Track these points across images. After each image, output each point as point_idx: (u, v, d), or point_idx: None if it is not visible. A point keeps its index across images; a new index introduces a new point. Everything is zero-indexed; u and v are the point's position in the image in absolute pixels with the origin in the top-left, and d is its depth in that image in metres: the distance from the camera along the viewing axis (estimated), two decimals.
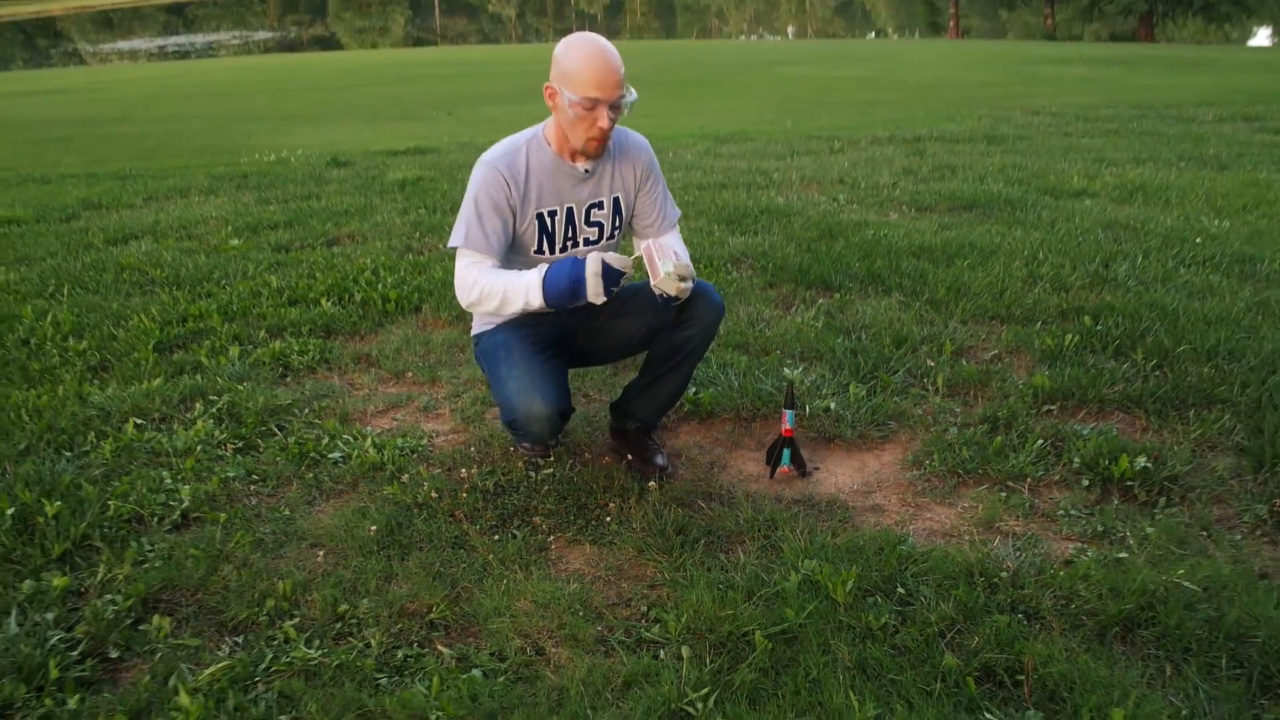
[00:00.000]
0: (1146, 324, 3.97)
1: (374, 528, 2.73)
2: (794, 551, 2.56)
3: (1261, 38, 45.86)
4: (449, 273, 4.97)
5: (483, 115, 13.46)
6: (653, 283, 2.74)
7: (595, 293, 2.69)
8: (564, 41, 2.80)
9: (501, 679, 2.16)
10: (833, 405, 3.42)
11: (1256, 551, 2.59)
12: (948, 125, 10.59)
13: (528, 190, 2.91)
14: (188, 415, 3.51)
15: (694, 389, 3.56)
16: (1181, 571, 2.42)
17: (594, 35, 2.78)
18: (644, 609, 2.40)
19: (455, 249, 2.89)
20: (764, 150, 8.98)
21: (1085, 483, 2.91)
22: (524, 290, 2.76)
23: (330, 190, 7.44)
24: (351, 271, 5.06)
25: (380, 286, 4.78)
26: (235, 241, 5.81)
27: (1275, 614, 2.25)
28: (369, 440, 3.27)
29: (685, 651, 2.19)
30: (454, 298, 4.51)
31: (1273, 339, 3.78)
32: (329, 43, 63.85)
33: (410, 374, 3.91)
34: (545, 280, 2.73)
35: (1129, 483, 2.88)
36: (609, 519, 2.80)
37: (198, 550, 2.64)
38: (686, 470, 3.10)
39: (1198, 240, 5.21)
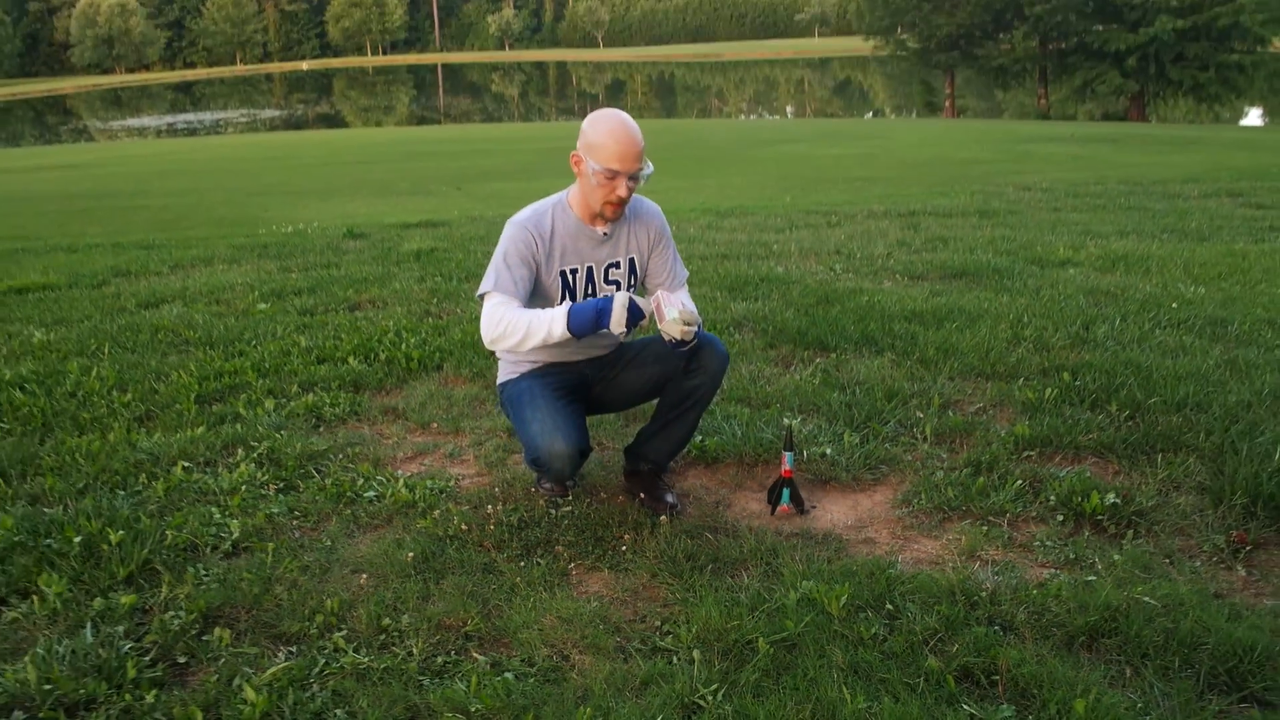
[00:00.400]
0: (1121, 379, 4.25)
1: (410, 554, 3.00)
2: (793, 574, 2.83)
3: (1253, 117, 46.75)
4: (468, 334, 5.28)
5: (491, 190, 13.88)
6: (659, 326, 3.02)
7: (618, 321, 2.97)
8: (592, 115, 3.15)
9: (532, 680, 2.42)
10: (828, 451, 3.70)
11: (1213, 576, 2.85)
12: (941, 200, 10.95)
13: (552, 249, 3.21)
14: (230, 460, 3.79)
15: (700, 437, 3.84)
16: (1142, 590, 2.69)
17: (619, 112, 3.14)
18: (658, 623, 2.66)
19: (483, 295, 3.14)
20: (764, 224, 9.34)
21: (1059, 518, 3.19)
22: (548, 321, 3.03)
23: (348, 260, 7.77)
24: (375, 333, 5.36)
25: (403, 346, 5.08)
26: (263, 306, 6.12)
27: (1225, 625, 2.51)
28: (400, 482, 3.55)
29: (696, 655, 2.46)
30: (474, 357, 4.84)
31: (1238, 392, 4.07)
32: (334, 120, 64.99)
33: (435, 425, 4.19)
34: (571, 310, 3.02)
35: (1099, 517, 3.15)
36: (624, 548, 3.07)
37: (250, 574, 2.90)
38: (694, 508, 3.38)
39: (1174, 305, 5.51)
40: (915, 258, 7.15)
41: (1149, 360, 4.52)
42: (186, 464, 3.72)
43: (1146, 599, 2.64)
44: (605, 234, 3.28)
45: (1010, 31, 43.50)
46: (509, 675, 2.43)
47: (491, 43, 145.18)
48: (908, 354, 4.81)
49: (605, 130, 3.08)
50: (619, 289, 3.33)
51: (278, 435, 3.99)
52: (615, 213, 3.19)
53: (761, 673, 2.39)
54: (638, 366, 3.41)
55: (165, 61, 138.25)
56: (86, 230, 10.58)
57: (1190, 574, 2.85)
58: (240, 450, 3.86)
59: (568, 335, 3.03)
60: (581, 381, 3.43)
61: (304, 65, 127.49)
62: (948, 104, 46.75)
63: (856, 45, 54.12)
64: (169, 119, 66.33)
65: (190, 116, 67.47)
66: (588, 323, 3.01)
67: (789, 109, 66.39)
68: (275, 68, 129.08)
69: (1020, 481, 3.40)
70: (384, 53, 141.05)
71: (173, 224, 11.09)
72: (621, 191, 3.11)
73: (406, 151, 22.30)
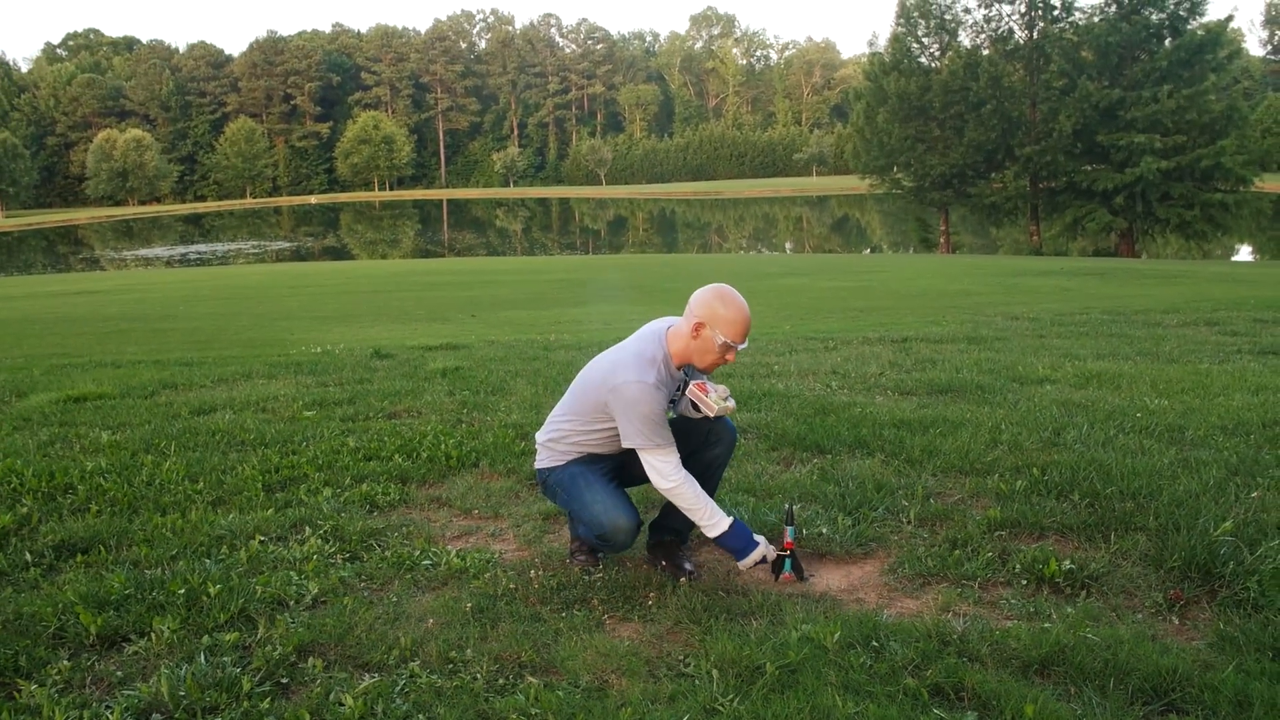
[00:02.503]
0: (1084, 474, 4.80)
1: (469, 605, 3.52)
2: (794, 619, 3.36)
3: (1244, 254, 48.01)
4: (499, 438, 5.84)
5: (504, 318, 14.58)
6: (710, 415, 3.71)
7: (748, 565, 3.72)
8: (720, 292, 3.71)
9: (579, 695, 2.93)
10: (824, 530, 4.24)
11: (1151, 624, 3.37)
12: (933, 328, 11.59)
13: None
14: (300, 535, 4.32)
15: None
16: (1089, 631, 3.21)
17: (736, 292, 3.72)
18: (681, 655, 3.18)
19: (654, 447, 3.67)
20: (765, 348, 9.97)
21: (1023, 581, 3.71)
22: (716, 521, 3.69)
23: (379, 376, 8.36)
24: (415, 436, 5.92)
25: (443, 447, 5.63)
26: (309, 413, 6.69)
27: (1155, 656, 3.03)
28: (452, 553, 4.08)
29: (715, 674, 2.97)
30: (508, 456, 5.39)
31: (1186, 484, 4.61)
32: (340, 253, 66.47)
33: (477, 511, 4.73)
34: (734, 525, 3.71)
35: (1057, 580, 3.68)
36: (650, 603, 3.59)
37: (332, 620, 3.42)
38: (708, 575, 3.90)
39: (1138, 414, 6.08)
40: (905, 376, 7.74)
41: (1111, 459, 5.06)
42: (262, 538, 4.25)
43: (1091, 636, 3.16)
44: (685, 374, 3.86)
45: (1002, 171, 45.03)
46: (559, 693, 2.93)
47: (496, 179, 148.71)
48: (896, 454, 5.37)
49: (737, 311, 3.65)
50: (674, 406, 3.91)
51: (339, 517, 4.53)
52: (710, 371, 3.81)
53: (769, 687, 2.90)
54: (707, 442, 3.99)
55: (177, 194, 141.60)
56: (125, 349, 11.21)
57: (1132, 623, 3.36)
58: (307, 528, 4.39)
59: (714, 536, 3.71)
60: (619, 466, 3.99)
61: (312, 199, 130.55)
62: (943, 240, 48.09)
63: (853, 184, 55.83)
64: (180, 249, 67.93)
65: (202, 247, 69.13)
66: (736, 543, 3.70)
67: (788, 245, 67.95)
68: (284, 201, 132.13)
69: (990, 554, 3.93)
70: (391, 188, 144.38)
71: (205, 344, 11.74)
72: (731, 358, 3.72)
73: (419, 281, 23.15)
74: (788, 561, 3.83)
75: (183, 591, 3.59)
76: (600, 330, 12.46)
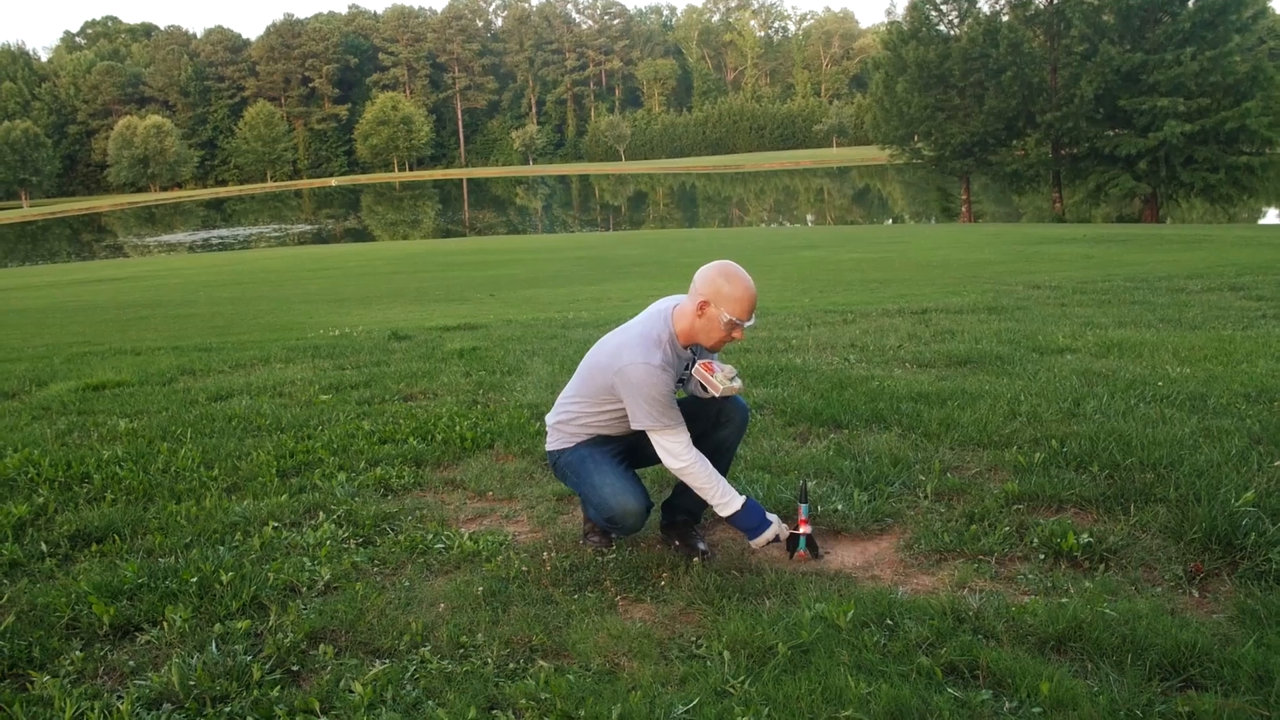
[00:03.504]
0: (1104, 445, 4.74)
1: (480, 589, 3.50)
2: (808, 599, 3.32)
3: (1271, 216, 47.48)
4: (515, 419, 5.82)
5: (523, 296, 14.56)
6: (715, 393, 3.66)
7: (760, 543, 3.68)
8: (724, 269, 3.68)
9: (590, 678, 2.91)
10: (840, 507, 4.20)
11: (1170, 598, 3.32)
12: (953, 298, 11.50)
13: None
14: (314, 521, 4.31)
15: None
16: (1107, 606, 3.16)
17: (741, 269, 3.71)
18: (694, 637, 3.15)
19: (662, 428, 3.64)
20: (784, 322, 9.90)
21: (1041, 555, 3.67)
22: (725, 496, 3.67)
23: (396, 358, 8.35)
24: (430, 419, 5.90)
25: (457, 429, 5.61)
26: (324, 397, 6.69)
27: (1173, 630, 2.98)
28: (465, 536, 4.06)
29: (726, 656, 2.95)
30: (522, 437, 5.37)
31: (1208, 454, 4.55)
32: (361, 235, 66.64)
33: (491, 493, 4.71)
34: (747, 504, 3.69)
35: (1075, 554, 3.63)
36: (663, 584, 3.56)
37: (344, 605, 3.41)
38: (722, 554, 3.87)
39: (1159, 383, 6.01)
40: (924, 348, 7.68)
41: (1131, 429, 5.00)
42: (276, 524, 4.25)
43: (1109, 612, 3.11)
44: (693, 353, 3.82)
45: (1023, 138, 44.60)
46: (570, 676, 2.91)
47: (516, 158, 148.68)
48: (913, 428, 5.32)
49: (742, 288, 3.63)
50: (684, 385, 3.87)
51: (353, 501, 4.52)
52: (717, 349, 3.78)
53: (781, 669, 2.87)
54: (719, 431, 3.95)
55: (198, 180, 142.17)
56: (145, 336, 11.24)
57: (1151, 597, 3.32)
58: (321, 514, 4.38)
59: (726, 516, 3.68)
60: (629, 447, 3.97)
61: (332, 182, 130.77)
62: (964, 209, 47.73)
63: (874, 154, 55.47)
64: (202, 234, 68.28)
65: (224, 232, 69.41)
66: (749, 522, 3.68)
67: (809, 217, 67.66)
68: (305, 184, 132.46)
69: (1008, 528, 3.89)
70: (411, 169, 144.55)
71: (225, 329, 11.76)
72: (739, 336, 3.68)
73: (438, 262, 23.15)
74: (802, 539, 3.79)
75: (195, 580, 3.59)
76: (619, 306, 12.41)
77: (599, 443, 3.91)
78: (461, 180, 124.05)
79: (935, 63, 43.74)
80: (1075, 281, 13.18)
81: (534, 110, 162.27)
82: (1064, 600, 3.27)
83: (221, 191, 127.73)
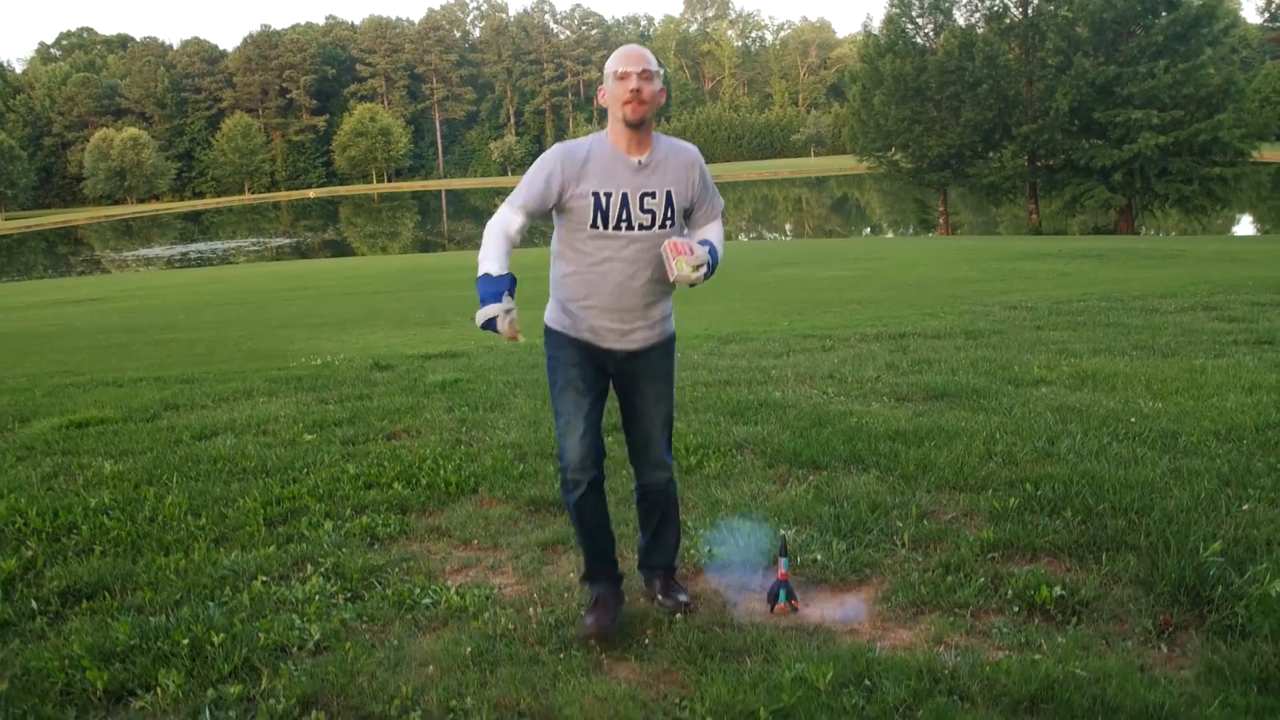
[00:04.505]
0: (1077, 488, 4.84)
1: (468, 650, 3.57)
2: (788, 658, 3.41)
3: (1245, 224, 47.96)
4: (498, 460, 5.89)
5: None
6: (670, 277, 3.50)
7: (478, 320, 3.42)
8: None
9: None
10: (819, 557, 4.29)
11: (1141, 653, 3.42)
12: (930, 322, 11.62)
13: (584, 170, 3.56)
14: (302, 574, 4.37)
15: (708, 547, 4.42)
16: (1078, 665, 3.26)
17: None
18: (677, 700, 3.23)
19: (507, 201, 3.67)
20: (763, 349, 10.00)
21: (1015, 608, 3.76)
22: (482, 260, 3.56)
23: (379, 391, 8.41)
24: (414, 460, 5.96)
25: (441, 473, 5.68)
26: (309, 436, 6.74)
27: (1143, 691, 3.08)
28: (452, 590, 4.13)
29: None
30: (506, 481, 5.45)
31: (1178, 498, 4.66)
32: (341, 247, 66.61)
33: (476, 541, 4.78)
34: (482, 277, 3.50)
35: (1048, 607, 3.73)
36: (647, 641, 3.64)
37: (334, 668, 3.47)
38: (705, 608, 3.95)
39: (1132, 419, 6.12)
40: (902, 379, 7.78)
41: (1103, 471, 5.11)
42: (265, 578, 4.30)
43: (1079, 671, 3.21)
44: (641, 163, 3.59)
45: (1000, 150, 44.97)
46: None
47: (494, 169, 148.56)
48: (891, 470, 5.41)
49: (614, 53, 3.58)
50: (653, 219, 3.61)
51: (340, 552, 4.58)
52: (636, 112, 3.50)
53: None
54: (642, 397, 3.89)
55: (175, 192, 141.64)
56: (126, 365, 11.25)
57: (1122, 652, 3.41)
58: (309, 565, 4.45)
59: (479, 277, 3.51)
60: (601, 373, 3.82)
61: (311, 193, 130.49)
62: (941, 220, 48.04)
63: (852, 164, 55.79)
64: (180, 248, 68.16)
65: (202, 246, 69.28)
66: (479, 291, 3.47)
67: (788, 226, 67.99)
68: (283, 196, 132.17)
69: (983, 579, 3.98)
70: (389, 180, 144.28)
71: (206, 357, 11.78)
72: (633, 85, 3.47)
73: (418, 280, 23.19)
74: (782, 591, 3.88)
75: (187, 641, 3.65)
76: None
77: (574, 351, 3.77)
78: (440, 191, 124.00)
79: (912, 75, 44.12)
80: (1051, 302, 13.31)
81: (512, 121, 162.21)
82: (1037, 657, 3.36)
83: (199, 204, 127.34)
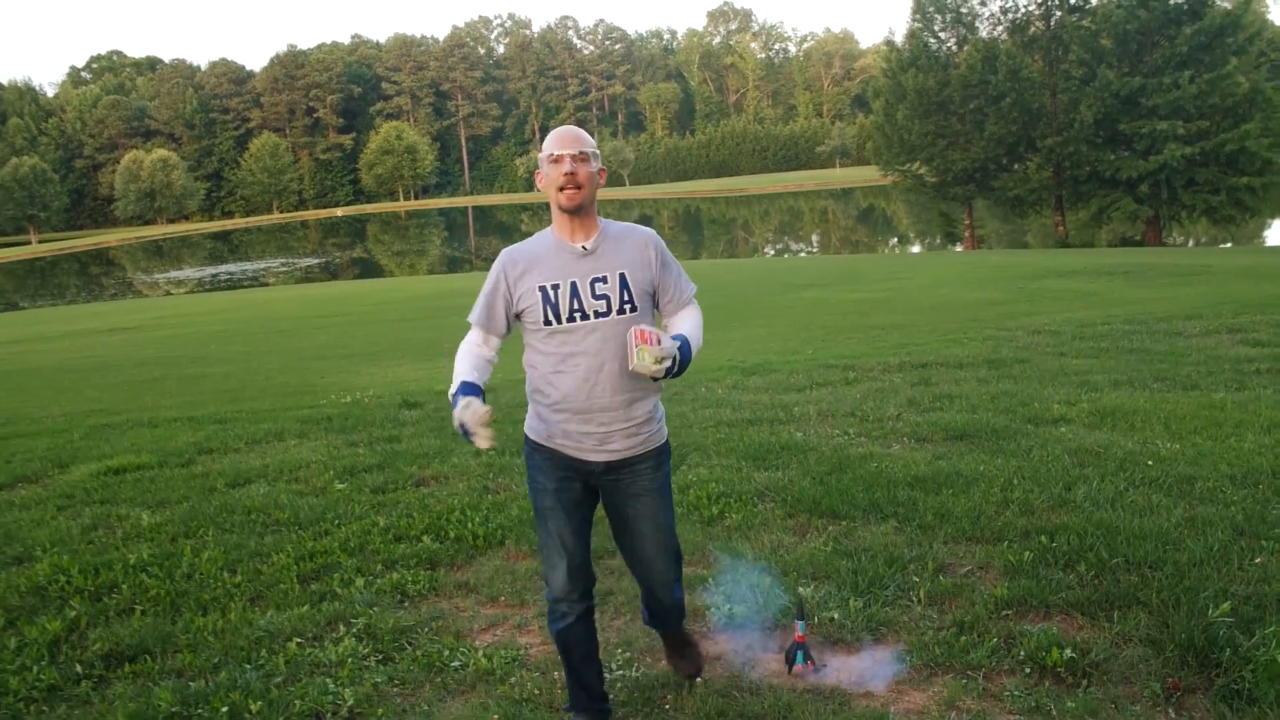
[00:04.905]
0: (1091, 540, 4.93)
1: (496, 715, 3.71)
2: None
3: (1274, 236, 47.63)
4: (524, 510, 6.02)
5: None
6: (630, 366, 3.25)
7: (457, 418, 3.29)
8: None
9: None
10: (836, 615, 4.40)
11: (1149, 717, 3.51)
12: (954, 349, 11.68)
13: (528, 268, 3.44)
14: (335, 634, 4.52)
15: (728, 605, 4.54)
16: None
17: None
18: None
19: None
20: (785, 383, 10.11)
21: (1027, 670, 3.86)
22: (455, 375, 3.49)
23: (408, 432, 8.57)
24: (443, 512, 6.11)
25: (469, 525, 5.82)
26: (340, 485, 6.90)
27: None
28: (480, 652, 4.27)
29: None
30: (531, 534, 5.57)
31: (1191, 550, 4.74)
32: (369, 265, 67.12)
33: (503, 598, 4.91)
34: (461, 385, 3.42)
35: (1059, 669, 3.82)
36: (668, 707, 3.76)
37: None
38: (723, 669, 4.07)
39: (1149, 462, 6.20)
40: (923, 418, 7.87)
41: (1118, 520, 5.19)
42: (299, 639, 4.46)
43: None
44: (586, 248, 3.44)
45: (1024, 163, 44.88)
46: None
47: (520, 184, 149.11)
48: (909, 520, 5.51)
49: (549, 136, 3.44)
50: (609, 304, 3.40)
51: (371, 611, 4.72)
52: (571, 198, 3.35)
53: None
54: (634, 523, 3.62)
55: (204, 212, 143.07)
56: (160, 402, 11.48)
57: (1130, 717, 3.51)
58: (341, 626, 4.60)
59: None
60: (587, 491, 3.59)
61: (338, 212, 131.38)
62: (967, 234, 47.96)
63: (877, 174, 55.69)
64: (211, 269, 68.86)
65: (232, 267, 69.95)
66: (453, 403, 3.37)
67: (814, 237, 67.99)
68: (311, 215, 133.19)
69: (996, 639, 4.08)
70: (416, 197, 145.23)
71: (238, 392, 12.00)
72: (566, 168, 3.32)
73: (446, 305, 23.37)
74: (800, 653, 3.99)
75: (226, 710, 3.80)
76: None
77: (554, 467, 3.57)
78: (467, 208, 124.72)
79: (935, 90, 44.10)
80: (1075, 325, 13.35)
81: (537, 136, 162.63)
82: None
83: (228, 223, 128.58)
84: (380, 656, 4.31)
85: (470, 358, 3.54)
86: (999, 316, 15.31)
